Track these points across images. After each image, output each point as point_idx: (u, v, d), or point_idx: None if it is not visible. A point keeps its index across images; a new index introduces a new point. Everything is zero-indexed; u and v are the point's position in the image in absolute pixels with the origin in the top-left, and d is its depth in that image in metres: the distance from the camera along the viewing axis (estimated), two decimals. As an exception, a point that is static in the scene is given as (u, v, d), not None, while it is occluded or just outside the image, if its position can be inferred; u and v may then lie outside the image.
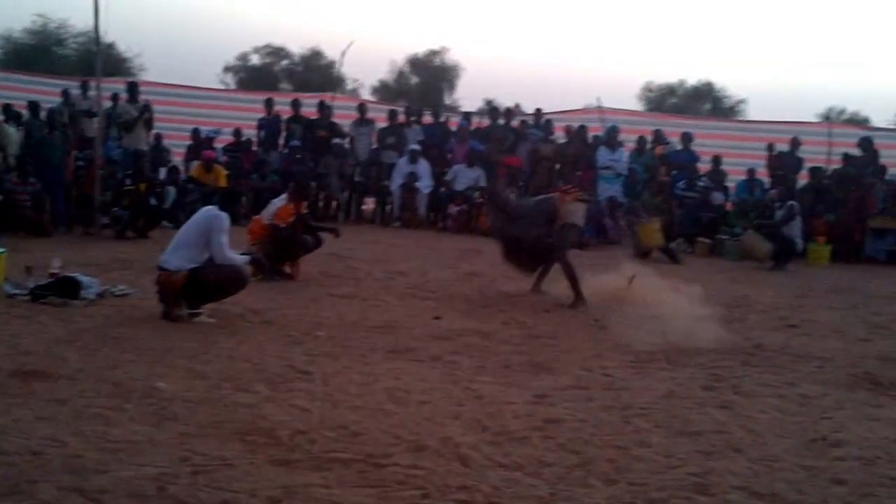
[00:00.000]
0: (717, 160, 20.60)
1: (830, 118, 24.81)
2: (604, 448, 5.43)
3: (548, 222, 10.97)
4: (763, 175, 20.37)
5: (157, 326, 8.28)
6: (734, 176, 20.75)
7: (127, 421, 5.50)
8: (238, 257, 9.05)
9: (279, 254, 11.26)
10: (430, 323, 9.14)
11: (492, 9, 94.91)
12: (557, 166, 20.73)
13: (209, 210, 8.93)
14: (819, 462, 5.38)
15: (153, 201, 16.01)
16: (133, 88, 19.20)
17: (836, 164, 20.32)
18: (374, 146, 21.14)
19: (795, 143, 20.52)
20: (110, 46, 42.07)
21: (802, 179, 19.91)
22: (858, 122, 44.90)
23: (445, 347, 8.03)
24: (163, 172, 18.72)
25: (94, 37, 15.70)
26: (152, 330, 8.11)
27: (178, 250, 8.74)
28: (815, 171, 19.58)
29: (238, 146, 20.57)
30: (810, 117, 39.65)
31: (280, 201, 11.63)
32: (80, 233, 15.51)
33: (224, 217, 8.85)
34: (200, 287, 8.61)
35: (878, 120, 46.86)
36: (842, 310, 11.49)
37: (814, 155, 20.79)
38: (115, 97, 19.93)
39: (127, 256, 12.54)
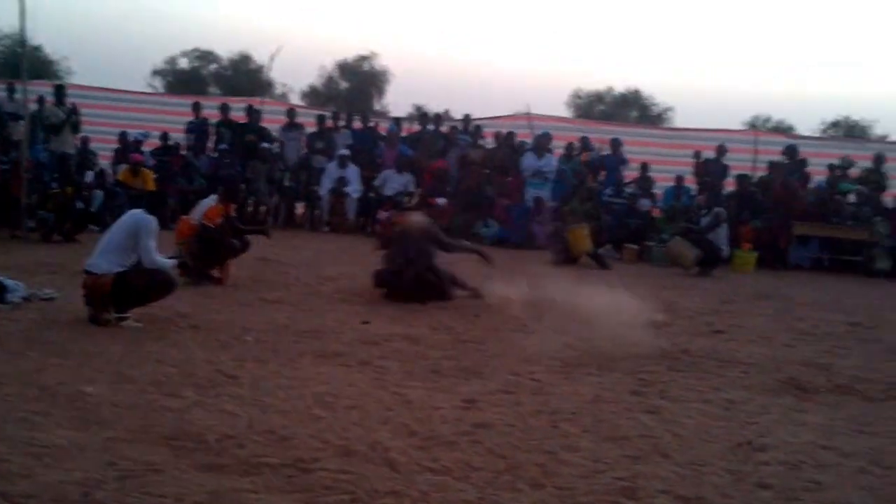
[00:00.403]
0: (644, 167, 20.84)
1: (756, 126, 25.03)
2: (532, 453, 5.44)
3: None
4: (691, 182, 20.63)
5: (83, 330, 8.16)
6: (662, 183, 21.02)
7: (53, 426, 5.41)
8: (166, 261, 8.94)
9: (206, 256, 11.14)
10: (358, 328, 9.11)
11: (421, 15, 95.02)
12: (486, 172, 20.81)
13: (136, 213, 8.81)
14: (745, 466, 5.43)
15: (80, 205, 15.79)
16: (60, 91, 18.97)
17: (761, 172, 20.62)
18: (304, 151, 21.07)
19: (721, 151, 20.80)
20: (37, 49, 41.61)
21: (729, 186, 20.17)
22: (783, 130, 45.72)
23: (374, 352, 8.00)
24: (90, 176, 18.48)
25: (20, 39, 15.46)
26: (79, 334, 8.00)
27: (105, 254, 8.60)
28: (741, 179, 19.84)
29: (166, 150, 20.39)
30: (736, 125, 40.29)
31: (210, 201, 11.53)
32: (6, 236, 15.23)
33: (152, 220, 8.74)
34: (128, 291, 8.50)
35: (802, 129, 47.76)
36: (767, 316, 11.64)
37: (740, 162, 21.08)
38: (41, 100, 19.68)
39: (53, 260, 12.35)
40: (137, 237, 8.56)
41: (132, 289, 8.51)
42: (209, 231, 11.22)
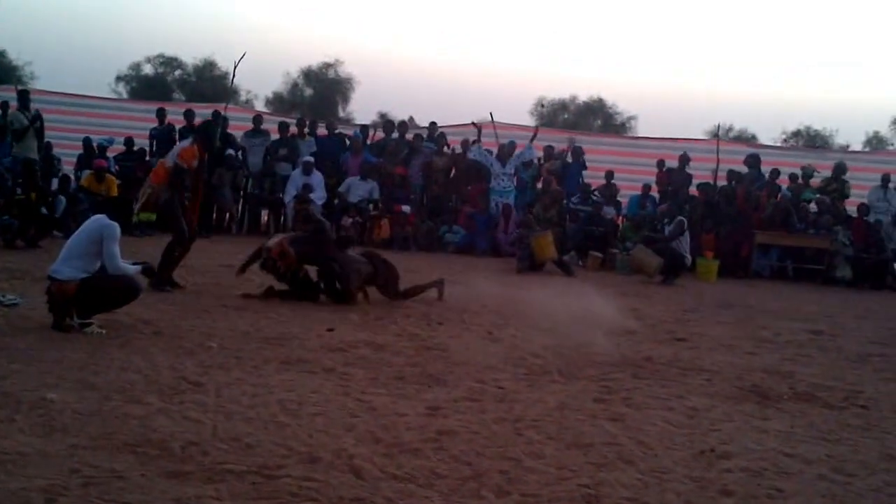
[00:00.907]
0: (609, 175, 20.95)
1: (718, 135, 25.13)
2: (496, 460, 5.45)
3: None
4: (656, 191, 20.77)
5: (46, 337, 8.09)
6: (626, 191, 21.14)
7: (16, 432, 5.37)
8: (130, 267, 8.89)
9: (172, 203, 11.19)
10: (323, 335, 9.09)
11: (385, 23, 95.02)
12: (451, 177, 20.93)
13: (100, 219, 8.74)
14: (707, 473, 5.47)
15: (44, 210, 15.69)
16: (24, 97, 18.83)
17: (723, 181, 20.74)
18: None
19: (684, 160, 20.92)
20: (0, 53, 41.31)
21: (693, 194, 20.31)
22: (746, 139, 46.03)
23: (338, 359, 7.99)
24: (54, 182, 18.39)
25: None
26: (42, 340, 7.93)
27: (69, 260, 8.53)
28: (705, 188, 19.97)
29: (130, 155, 20.28)
30: (699, 134, 40.51)
31: (184, 143, 11.51)
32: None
33: (115, 227, 8.66)
34: (92, 297, 8.45)
35: (764, 138, 48.11)
36: (729, 324, 11.73)
37: (702, 171, 21.20)
38: (5, 105, 19.54)
39: (16, 266, 12.24)
40: (101, 243, 8.51)
41: (96, 294, 8.47)
42: (182, 173, 11.15)
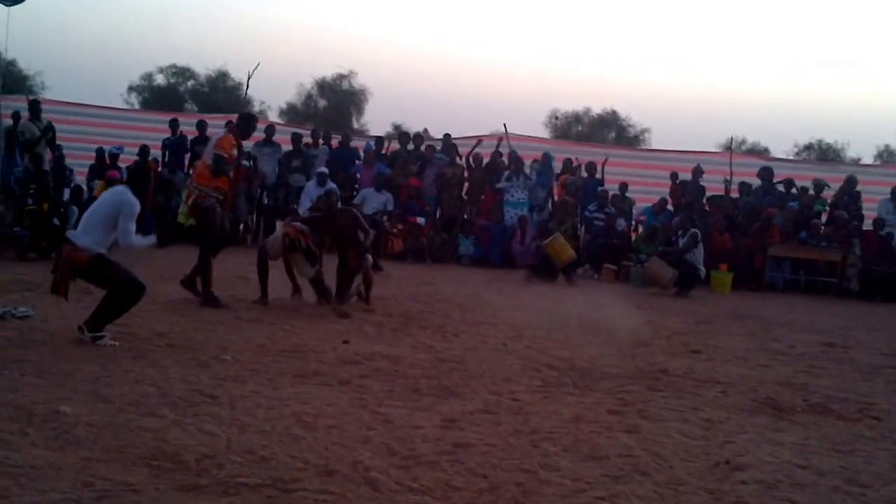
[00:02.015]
0: (623, 187, 20.92)
1: (731, 148, 25.10)
2: (512, 472, 5.45)
3: None
4: (670, 204, 20.74)
5: (59, 349, 8.09)
6: (640, 204, 21.12)
7: (28, 445, 5.37)
8: (144, 239, 8.95)
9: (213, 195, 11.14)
10: (338, 347, 9.09)
11: (399, 34, 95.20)
12: (465, 190, 20.94)
13: (121, 193, 8.74)
14: (722, 485, 5.46)
15: (56, 222, 15.69)
16: (35, 107, 18.87)
17: (735, 194, 20.70)
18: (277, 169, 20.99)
19: (698, 172, 20.89)
20: (11, 63, 41.37)
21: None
22: (758, 152, 45.96)
23: (354, 372, 7.99)
24: (66, 192, 18.42)
25: (-5, 54, 15.42)
26: (54, 353, 7.94)
27: (87, 229, 8.59)
28: (717, 201, 19.95)
29: (141, 166, 20.26)
30: (711, 147, 40.48)
31: (220, 133, 11.47)
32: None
33: (136, 204, 8.69)
34: (97, 277, 8.57)
35: (777, 151, 48.04)
36: (744, 336, 11.71)
37: (715, 184, 21.16)
38: (16, 115, 19.59)
39: (28, 278, 12.25)
40: (118, 217, 8.55)
41: (101, 277, 8.56)
42: (222, 162, 11.07)
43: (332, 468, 5.28)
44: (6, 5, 14.48)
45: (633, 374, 8.65)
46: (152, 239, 9.17)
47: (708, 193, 20.70)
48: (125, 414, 6.18)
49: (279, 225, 11.64)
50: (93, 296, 10.41)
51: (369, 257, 11.84)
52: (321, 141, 21.62)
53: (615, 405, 7.37)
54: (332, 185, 19.53)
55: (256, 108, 52.20)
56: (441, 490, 5.06)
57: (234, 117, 20.92)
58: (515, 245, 19.53)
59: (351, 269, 11.51)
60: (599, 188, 20.69)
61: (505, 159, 21.24)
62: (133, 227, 8.63)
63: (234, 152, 11.24)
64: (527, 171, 20.77)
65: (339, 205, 12.29)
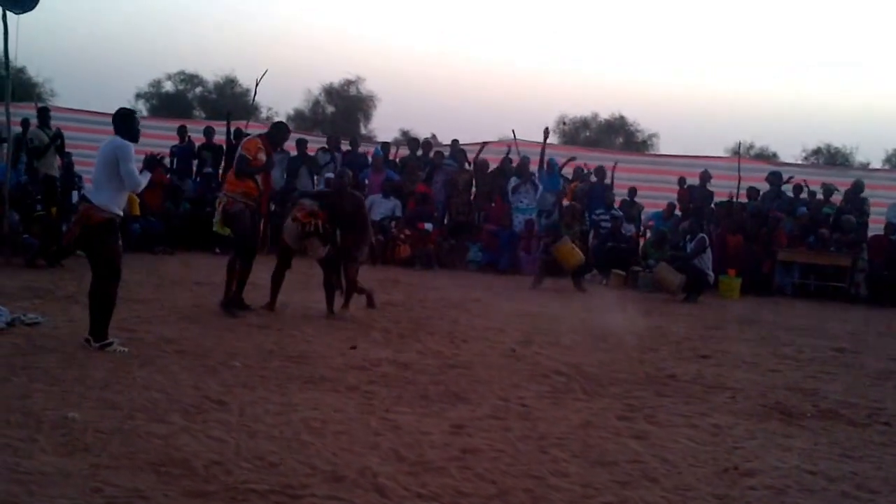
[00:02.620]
0: (632, 192, 20.90)
1: (740, 153, 25.07)
2: (521, 478, 5.45)
3: None
4: (678, 209, 20.69)
5: (68, 356, 8.10)
6: (648, 209, 21.11)
7: (38, 452, 5.39)
8: (146, 178, 8.98)
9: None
10: (346, 353, 9.10)
11: (407, 39, 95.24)
12: (472, 195, 20.93)
13: (112, 141, 8.65)
14: (731, 491, 5.46)
15: (65, 228, 15.64)
16: (44, 114, 18.87)
17: (744, 199, 20.66)
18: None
19: (705, 177, 20.86)
20: (20, 71, 41.46)
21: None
22: (767, 157, 45.89)
23: (362, 377, 8.00)
24: (75, 196, 18.41)
25: (5, 62, 15.39)
26: (63, 359, 7.95)
27: (99, 188, 8.59)
28: (731, 206, 19.93)
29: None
30: (720, 152, 40.43)
31: (247, 138, 11.34)
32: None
33: (129, 145, 8.62)
34: (99, 242, 8.59)
35: (785, 156, 47.98)
36: (752, 341, 11.69)
37: (724, 189, 21.12)
38: (25, 122, 19.61)
39: (37, 285, 12.28)
40: (117, 164, 8.48)
41: (100, 246, 8.61)
42: (246, 162, 10.99)
43: (341, 474, 5.29)
44: (16, 13, 14.50)
45: (641, 380, 8.65)
46: (148, 175, 9.18)
47: (716, 199, 20.66)
48: (134, 420, 6.20)
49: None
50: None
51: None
52: (328, 147, 21.62)
53: (624, 411, 7.37)
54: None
55: (264, 114, 52.29)
56: (450, 496, 5.07)
57: (242, 123, 21.12)
58: (523, 251, 19.51)
59: (350, 255, 11.54)
60: (605, 197, 20.66)
61: (514, 165, 21.22)
62: (134, 167, 8.58)
63: (261, 156, 11.12)
64: (534, 177, 20.72)
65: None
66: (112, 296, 8.72)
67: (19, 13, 14.60)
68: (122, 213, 8.72)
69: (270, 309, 11.40)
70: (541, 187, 20.52)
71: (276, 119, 51.68)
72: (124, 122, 8.87)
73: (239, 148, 11.24)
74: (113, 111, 8.82)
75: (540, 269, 17.07)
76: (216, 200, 11.47)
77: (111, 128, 8.71)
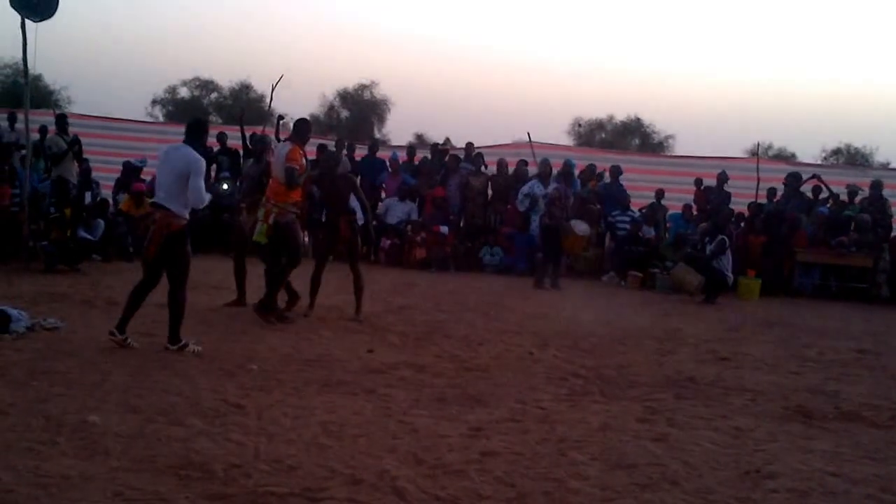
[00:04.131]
0: (659, 194, 20.78)
1: (758, 154, 24.93)
2: (540, 481, 5.42)
3: None
4: (695, 210, 20.60)
5: (87, 360, 8.12)
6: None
7: (59, 455, 5.41)
8: (207, 195, 9.07)
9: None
10: (363, 356, 9.09)
11: (420, 43, 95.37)
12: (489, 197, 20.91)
13: (185, 154, 8.83)
14: (753, 494, 5.41)
15: (82, 233, 15.65)
16: (62, 121, 18.93)
17: (763, 199, 20.55)
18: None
19: (722, 178, 20.74)
20: (37, 78, 41.60)
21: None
22: (785, 157, 45.74)
23: (379, 381, 7.99)
24: (88, 197, 18.47)
25: (23, 69, 15.44)
26: (83, 363, 7.97)
27: (171, 196, 8.77)
28: (755, 207, 19.84)
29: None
30: (738, 153, 40.28)
31: (283, 147, 11.03)
32: (19, 266, 15.03)
33: (202, 160, 8.93)
34: (177, 249, 8.78)
35: (804, 156, 47.83)
36: (773, 343, 11.62)
37: (742, 190, 21.02)
38: (43, 129, 19.67)
39: (56, 290, 12.32)
40: (188, 176, 8.70)
41: (178, 253, 8.82)
42: (295, 173, 10.80)
43: (359, 477, 5.27)
44: (34, 20, 14.54)
45: (660, 382, 8.61)
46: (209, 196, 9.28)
47: (735, 200, 20.56)
48: (153, 424, 6.21)
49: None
50: (120, 306, 10.47)
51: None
52: (345, 151, 21.60)
53: (643, 413, 7.33)
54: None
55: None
56: (469, 499, 5.04)
57: (258, 129, 21.09)
58: (540, 254, 19.43)
59: (341, 237, 11.55)
60: (622, 198, 20.59)
61: (529, 168, 21.16)
62: (203, 183, 8.81)
63: (304, 162, 11.07)
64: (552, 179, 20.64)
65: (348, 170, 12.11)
66: (184, 294, 8.99)
67: (38, 21, 14.64)
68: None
69: (311, 308, 11.42)
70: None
71: (292, 123, 51.78)
72: (198, 132, 9.24)
73: (281, 160, 10.84)
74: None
75: (540, 269, 17.05)
76: (261, 210, 11.03)
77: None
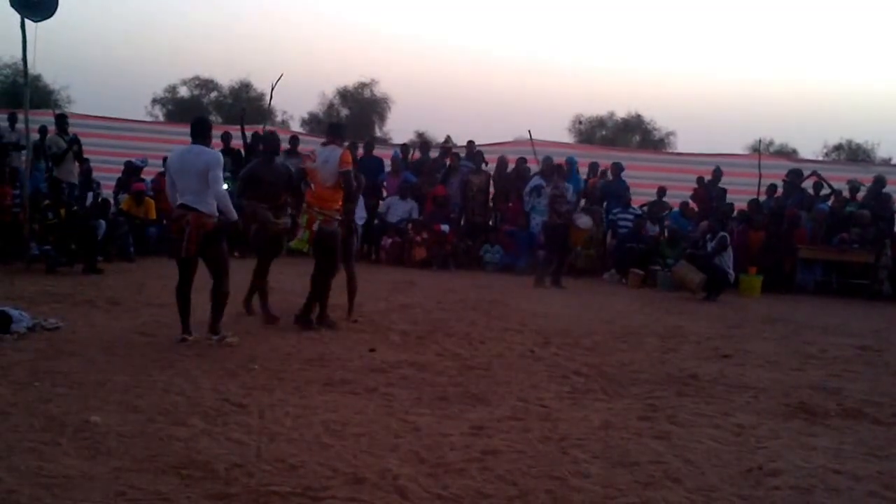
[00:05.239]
0: (661, 191, 20.78)
1: (760, 150, 24.93)
2: (542, 479, 5.42)
3: None
4: (695, 206, 20.57)
5: (89, 360, 8.13)
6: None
7: (61, 455, 5.42)
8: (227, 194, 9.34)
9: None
10: (364, 355, 9.09)
11: (420, 41, 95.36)
12: (490, 195, 20.91)
13: (201, 153, 9.12)
14: (756, 491, 5.41)
15: (82, 228, 15.55)
16: (62, 121, 18.93)
17: (763, 196, 20.53)
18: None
19: (717, 174, 20.70)
20: (37, 78, 41.63)
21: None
22: (787, 153, 45.71)
23: (381, 380, 7.99)
24: (90, 197, 18.48)
25: (23, 69, 15.44)
26: (84, 364, 7.98)
27: (199, 197, 9.02)
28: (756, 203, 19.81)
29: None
30: (739, 149, 40.30)
31: (334, 152, 10.59)
32: (20, 267, 15.02)
33: (219, 155, 9.29)
34: (214, 246, 9.17)
35: (805, 152, 47.80)
36: (775, 340, 11.60)
37: (743, 187, 21.01)
38: (43, 130, 19.67)
39: (57, 290, 12.33)
40: (208, 172, 8.99)
41: (215, 250, 9.20)
42: (352, 178, 10.67)
43: (362, 476, 5.27)
44: (33, 21, 14.54)
45: (662, 380, 8.60)
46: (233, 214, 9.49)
47: (730, 196, 20.56)
48: (155, 423, 6.22)
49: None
50: (121, 306, 10.50)
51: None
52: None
53: (645, 411, 7.32)
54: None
55: (279, 118, 52.42)
56: (471, 497, 5.04)
57: (258, 128, 21.08)
58: (541, 252, 19.42)
59: (347, 250, 11.37)
60: (623, 195, 20.57)
61: (530, 165, 21.15)
62: (221, 175, 9.11)
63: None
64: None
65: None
66: (227, 292, 9.37)
67: (37, 21, 14.64)
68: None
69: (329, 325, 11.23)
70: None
71: (291, 123, 51.79)
72: (204, 131, 9.51)
73: (334, 164, 10.47)
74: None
75: (541, 267, 17.06)
76: (303, 216, 10.74)
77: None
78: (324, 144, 10.70)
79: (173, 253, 9.36)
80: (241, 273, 10.92)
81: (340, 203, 10.74)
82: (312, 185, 10.66)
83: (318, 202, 10.57)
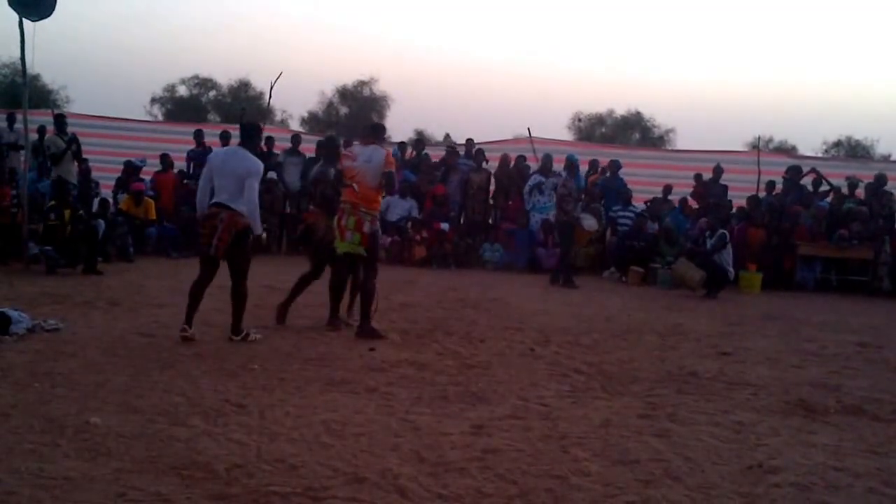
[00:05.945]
0: (666, 190, 20.77)
1: (759, 147, 24.93)
2: (542, 478, 5.42)
3: None
4: (694, 203, 20.56)
5: (88, 361, 8.12)
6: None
7: (61, 457, 5.41)
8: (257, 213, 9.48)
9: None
10: (364, 354, 9.08)
11: (420, 39, 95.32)
12: (491, 193, 20.91)
13: (244, 159, 9.34)
14: (756, 489, 5.41)
15: (84, 229, 15.52)
16: (61, 121, 18.91)
17: (763, 192, 20.52)
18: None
19: (718, 172, 20.69)
20: (35, 78, 41.60)
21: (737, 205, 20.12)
22: (786, 150, 45.71)
23: (381, 379, 7.98)
24: (94, 204, 18.47)
25: (21, 69, 15.41)
26: (84, 365, 7.97)
27: (234, 197, 9.21)
28: (753, 201, 19.80)
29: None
30: (738, 146, 40.28)
31: (377, 154, 10.38)
32: (20, 268, 15.02)
33: (261, 166, 9.54)
34: (240, 247, 9.32)
35: (805, 148, 47.79)
36: (774, 337, 11.60)
37: (743, 184, 21.01)
38: (42, 130, 19.64)
39: (56, 291, 12.31)
40: (247, 178, 9.22)
41: (241, 251, 9.37)
42: (394, 178, 10.72)
43: (362, 476, 5.27)
44: (32, 20, 14.53)
45: (662, 378, 8.60)
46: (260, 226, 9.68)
47: (731, 193, 20.56)
48: (155, 424, 6.21)
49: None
50: (121, 307, 10.50)
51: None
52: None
53: (645, 409, 7.32)
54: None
55: (278, 117, 52.45)
56: (471, 497, 5.04)
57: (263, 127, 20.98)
58: (540, 249, 19.44)
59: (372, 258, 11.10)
60: (623, 192, 20.57)
61: (530, 163, 21.15)
62: (257, 186, 9.34)
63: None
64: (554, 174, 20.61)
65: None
66: (246, 292, 9.55)
67: (36, 20, 14.63)
68: None
69: (335, 327, 11.08)
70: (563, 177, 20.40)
71: (291, 122, 51.77)
72: (253, 135, 9.85)
73: (378, 164, 10.29)
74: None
75: (563, 267, 17.05)
76: (350, 218, 10.40)
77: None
78: (363, 144, 10.60)
79: (200, 250, 9.53)
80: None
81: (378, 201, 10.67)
82: (355, 186, 10.33)
83: (365, 202, 10.37)
